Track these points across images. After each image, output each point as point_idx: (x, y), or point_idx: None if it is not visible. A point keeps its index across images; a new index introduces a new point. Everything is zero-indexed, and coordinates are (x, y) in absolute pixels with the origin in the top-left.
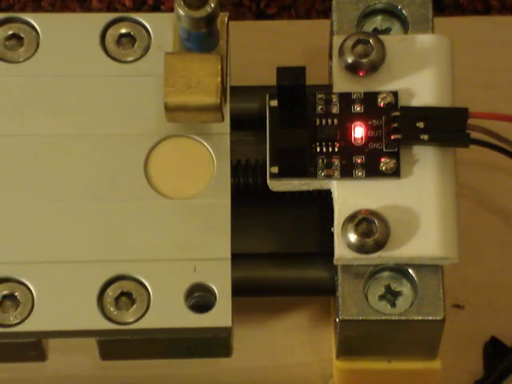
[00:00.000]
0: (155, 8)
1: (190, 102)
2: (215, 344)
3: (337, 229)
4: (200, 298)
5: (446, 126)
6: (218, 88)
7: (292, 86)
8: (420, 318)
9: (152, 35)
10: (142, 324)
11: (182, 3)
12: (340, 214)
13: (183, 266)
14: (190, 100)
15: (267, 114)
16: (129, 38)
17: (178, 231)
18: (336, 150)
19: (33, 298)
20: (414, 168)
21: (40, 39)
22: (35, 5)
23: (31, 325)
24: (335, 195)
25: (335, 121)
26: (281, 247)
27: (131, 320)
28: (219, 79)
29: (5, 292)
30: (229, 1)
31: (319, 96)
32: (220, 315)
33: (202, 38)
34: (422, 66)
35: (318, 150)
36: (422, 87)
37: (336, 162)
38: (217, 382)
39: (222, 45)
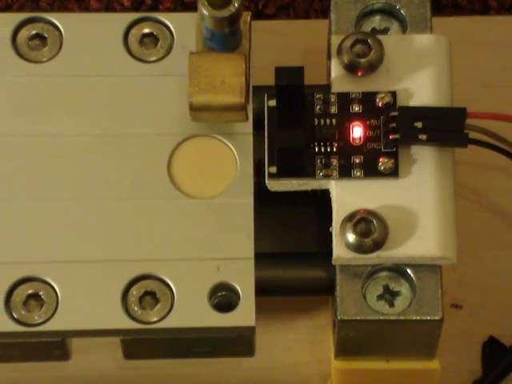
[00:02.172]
0: (153, 8)
1: (215, 102)
2: (238, 343)
3: (335, 229)
4: (223, 298)
5: (445, 126)
6: (242, 87)
7: (290, 86)
8: (418, 317)
9: (175, 35)
10: (166, 323)
11: (206, 3)
12: (338, 213)
13: (206, 265)
14: (215, 100)
15: (266, 114)
16: (152, 38)
17: (202, 231)
18: (334, 149)
19: (57, 297)
20: (412, 168)
21: (63, 39)
22: (33, 5)
23: (55, 324)
24: (333, 195)
25: (333, 121)
26: (279, 247)
27: (155, 319)
28: (244, 79)
29: (29, 291)
30: None
31: (318, 96)
32: (244, 314)
33: (226, 38)
34: (420, 66)
35: (317, 149)
36: (420, 87)
37: (334, 161)
38: (216, 381)
39: (245, 44)
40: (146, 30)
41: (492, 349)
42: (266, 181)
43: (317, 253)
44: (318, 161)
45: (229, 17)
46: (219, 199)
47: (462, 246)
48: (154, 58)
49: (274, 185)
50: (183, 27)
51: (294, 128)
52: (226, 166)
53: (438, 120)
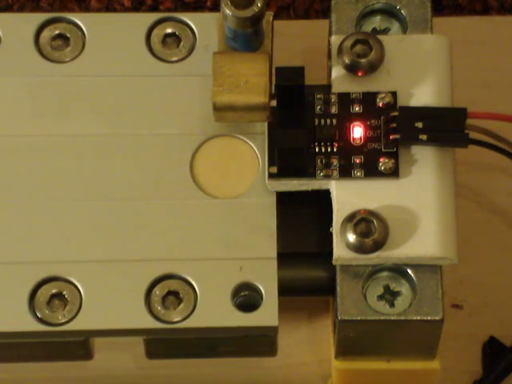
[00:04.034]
0: (154, 8)
1: (239, 102)
2: (261, 343)
3: (335, 229)
4: (246, 297)
5: (445, 126)
6: (266, 87)
7: (291, 86)
8: (419, 318)
9: (197, 35)
10: (189, 323)
11: (229, 3)
12: (339, 213)
13: (229, 265)
14: (239, 99)
15: None
16: (174, 38)
17: (224, 230)
18: (335, 150)
19: (81, 296)
20: (412, 168)
21: (86, 39)
22: (34, 5)
23: (79, 324)
24: (334, 195)
25: (334, 121)
26: (280, 247)
27: (178, 319)
28: (267, 78)
29: (53, 291)
30: None
31: (318, 96)
32: (266, 314)
33: (248, 38)
34: (420, 66)
35: (317, 150)
36: (420, 87)
37: (335, 162)
38: (216, 381)
39: (267, 44)
40: (169, 30)
41: (492, 349)
42: (267, 181)
43: (317, 253)
44: (319, 161)
45: (252, 17)
46: (241, 199)
47: (462, 246)
48: (176, 58)
49: (274, 185)
50: (205, 27)
51: (295, 128)
52: (249, 165)
53: (438, 120)
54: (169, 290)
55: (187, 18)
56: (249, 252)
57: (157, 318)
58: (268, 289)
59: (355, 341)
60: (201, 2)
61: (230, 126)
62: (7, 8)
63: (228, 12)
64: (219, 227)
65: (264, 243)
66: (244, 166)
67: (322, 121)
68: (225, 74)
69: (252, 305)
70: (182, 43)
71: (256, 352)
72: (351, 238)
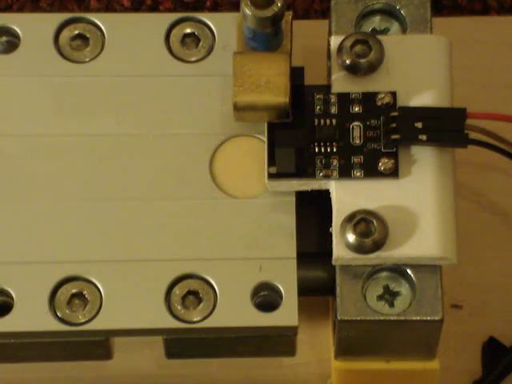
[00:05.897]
0: (153, 8)
1: (260, 102)
2: (280, 343)
3: (335, 229)
4: (265, 297)
5: (445, 126)
6: (287, 87)
7: (290, 86)
8: (418, 318)
9: (216, 35)
10: (209, 323)
11: (249, 3)
12: (338, 214)
13: (249, 265)
14: (260, 99)
15: None
16: (193, 38)
17: (244, 230)
18: (334, 150)
19: (101, 296)
20: (412, 168)
21: (105, 39)
22: (33, 5)
23: (99, 323)
24: (334, 195)
25: (334, 121)
26: None
27: (198, 319)
28: (288, 78)
29: (73, 291)
30: (227, 0)
31: (318, 96)
32: (286, 314)
33: (268, 38)
34: (420, 67)
35: (317, 150)
36: (420, 87)
37: (334, 162)
38: (216, 381)
39: (286, 44)
40: (188, 30)
41: (492, 349)
42: (266, 181)
43: (317, 253)
44: (318, 161)
45: (272, 16)
46: (261, 199)
47: (462, 246)
48: (195, 58)
49: (273, 185)
50: (224, 27)
51: (294, 128)
52: None
53: (438, 120)
54: (188, 290)
55: (206, 18)
56: (268, 252)
57: (177, 318)
58: (287, 289)
59: (355, 341)
60: (200, 2)
61: (250, 126)
62: (7, 8)
63: (248, 12)
64: (238, 227)
65: (283, 243)
66: (263, 166)
67: (322, 121)
68: (246, 74)
69: (271, 305)
70: (201, 43)
71: (275, 352)
72: (351, 238)
